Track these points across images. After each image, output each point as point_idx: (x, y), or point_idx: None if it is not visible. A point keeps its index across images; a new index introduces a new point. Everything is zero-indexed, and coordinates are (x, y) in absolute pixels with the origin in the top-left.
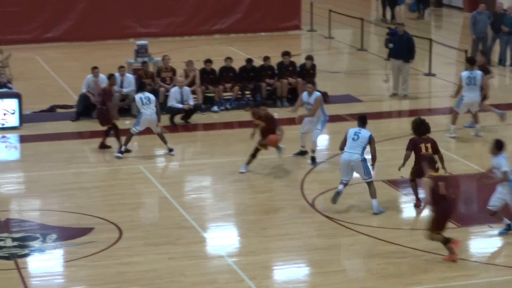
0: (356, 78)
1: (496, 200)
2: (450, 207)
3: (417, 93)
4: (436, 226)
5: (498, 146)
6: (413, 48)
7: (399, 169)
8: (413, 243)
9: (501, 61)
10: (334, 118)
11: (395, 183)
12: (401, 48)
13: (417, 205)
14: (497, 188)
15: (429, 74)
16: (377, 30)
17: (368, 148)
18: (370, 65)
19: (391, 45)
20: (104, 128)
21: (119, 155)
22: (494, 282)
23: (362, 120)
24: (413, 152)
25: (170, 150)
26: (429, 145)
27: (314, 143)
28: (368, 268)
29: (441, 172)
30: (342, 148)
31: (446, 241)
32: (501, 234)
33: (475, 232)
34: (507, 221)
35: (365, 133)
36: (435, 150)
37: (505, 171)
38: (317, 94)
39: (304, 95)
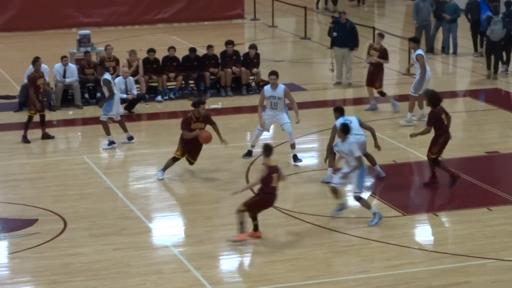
0: (299, 67)
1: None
2: (271, 200)
3: (361, 81)
4: (251, 207)
5: (345, 131)
6: (357, 36)
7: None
8: (358, 231)
9: (444, 49)
10: None
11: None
12: (344, 36)
13: (457, 177)
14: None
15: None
16: (320, 18)
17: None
18: (314, 54)
19: (335, 34)
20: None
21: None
22: (439, 269)
23: (340, 110)
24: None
25: (130, 138)
26: (444, 115)
27: (291, 136)
28: (314, 257)
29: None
30: (331, 144)
31: (242, 223)
32: (332, 214)
33: (420, 220)
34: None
35: (352, 118)
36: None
37: (358, 155)
38: (282, 86)
39: (267, 89)
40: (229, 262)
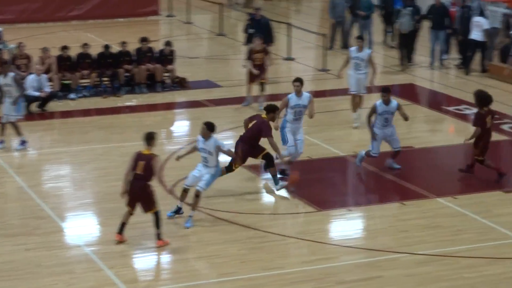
0: (215, 63)
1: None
2: (131, 189)
3: (276, 77)
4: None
5: (210, 128)
6: (271, 32)
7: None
8: (273, 228)
9: None
10: (193, 104)
11: (254, 168)
12: (260, 33)
13: (503, 173)
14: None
15: (288, 58)
16: (236, 15)
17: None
18: (229, 50)
19: (251, 30)
20: None
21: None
22: (354, 264)
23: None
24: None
25: (23, 142)
26: (489, 117)
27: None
28: (229, 254)
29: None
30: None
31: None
32: (169, 216)
33: (334, 215)
34: (179, 204)
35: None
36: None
37: (228, 149)
38: (308, 94)
39: (292, 98)
40: (142, 261)
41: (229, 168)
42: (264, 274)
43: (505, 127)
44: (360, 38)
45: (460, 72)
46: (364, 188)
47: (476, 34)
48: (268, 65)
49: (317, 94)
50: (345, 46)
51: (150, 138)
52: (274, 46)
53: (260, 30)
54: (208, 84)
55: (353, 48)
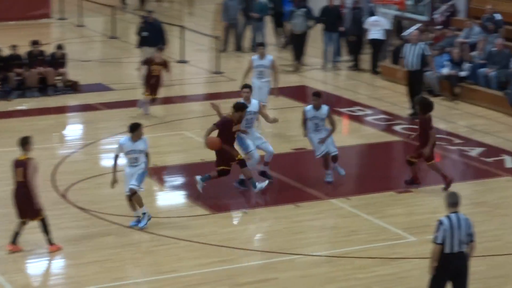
0: (108, 67)
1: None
2: (13, 197)
3: (170, 80)
4: None
5: (135, 128)
6: (164, 35)
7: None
8: (167, 231)
9: (253, 48)
10: (86, 107)
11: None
12: (153, 35)
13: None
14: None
15: (182, 61)
16: (129, 17)
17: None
18: (122, 53)
19: (145, 33)
20: None
21: None
22: (249, 266)
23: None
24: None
25: None
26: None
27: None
28: (123, 258)
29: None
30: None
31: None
32: (132, 226)
33: (228, 218)
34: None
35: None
36: None
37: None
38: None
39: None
40: (36, 266)
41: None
42: (158, 277)
43: (397, 128)
44: (261, 45)
45: (353, 74)
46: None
47: (375, 33)
48: (166, 82)
49: (211, 96)
50: (239, 48)
51: (25, 143)
52: (168, 49)
53: (153, 33)
54: (100, 88)
55: (255, 57)
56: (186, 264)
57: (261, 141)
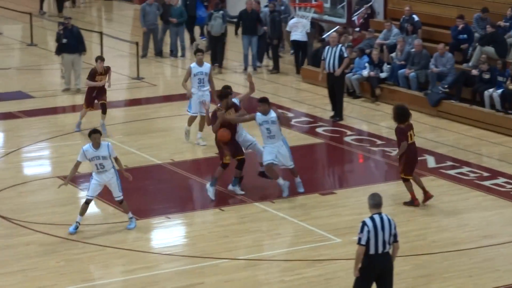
0: (27, 74)
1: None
2: None
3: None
4: None
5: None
6: (82, 41)
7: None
8: (92, 238)
9: (172, 52)
10: (5, 116)
11: (71, 179)
12: (72, 42)
13: (429, 197)
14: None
15: None
16: (46, 24)
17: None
18: (42, 60)
19: (64, 40)
20: None
21: None
22: (175, 272)
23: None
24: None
25: None
26: (411, 132)
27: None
28: (47, 267)
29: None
30: None
31: None
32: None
33: (153, 223)
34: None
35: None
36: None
37: (115, 156)
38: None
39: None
40: None
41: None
42: (84, 285)
43: (319, 130)
44: (200, 51)
45: (274, 77)
46: (182, 195)
47: (297, 35)
48: (109, 86)
49: (132, 102)
50: (159, 54)
51: None
52: (87, 55)
53: (72, 39)
54: (20, 95)
55: (193, 64)
56: (112, 271)
57: (251, 143)
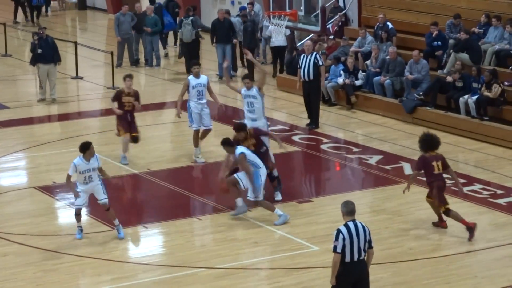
0: (2, 85)
1: None
2: None
3: (65, 96)
4: None
5: (87, 147)
6: (57, 51)
7: (403, 192)
8: (69, 249)
9: (147, 62)
10: None
11: (47, 189)
12: (47, 52)
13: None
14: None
15: (77, 77)
16: (21, 34)
17: None
18: (17, 71)
19: (40, 50)
20: None
21: None
22: (152, 281)
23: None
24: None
25: None
26: (439, 163)
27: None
28: (24, 278)
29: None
30: None
31: None
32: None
33: (130, 233)
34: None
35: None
36: (445, 166)
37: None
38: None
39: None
40: None
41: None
42: None
43: (295, 138)
44: (196, 64)
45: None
46: (159, 205)
47: (278, 41)
48: (139, 108)
49: (108, 112)
50: (134, 63)
51: None
52: (62, 65)
53: (47, 49)
54: None
55: (190, 77)
56: (89, 281)
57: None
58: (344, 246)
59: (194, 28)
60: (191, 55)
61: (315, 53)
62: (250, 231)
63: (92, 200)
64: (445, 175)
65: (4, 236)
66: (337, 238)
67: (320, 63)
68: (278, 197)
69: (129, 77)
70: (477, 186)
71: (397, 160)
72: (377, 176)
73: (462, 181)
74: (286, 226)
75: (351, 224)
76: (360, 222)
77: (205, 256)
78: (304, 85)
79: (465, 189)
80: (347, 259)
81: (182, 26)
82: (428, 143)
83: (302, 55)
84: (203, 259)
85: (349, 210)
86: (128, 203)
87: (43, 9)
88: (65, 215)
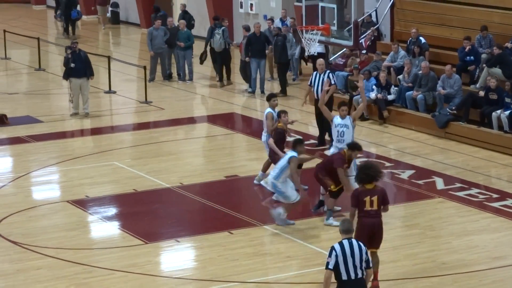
0: (35, 99)
1: None
2: None
3: (98, 111)
4: None
5: None
6: (90, 65)
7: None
8: (101, 262)
9: (180, 76)
10: (14, 140)
11: (80, 203)
12: (80, 66)
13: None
14: None
15: (110, 91)
16: (54, 49)
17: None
18: (50, 85)
19: (72, 65)
20: None
21: None
22: None
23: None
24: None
25: None
26: (375, 198)
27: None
28: None
29: None
30: None
31: None
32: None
33: (162, 247)
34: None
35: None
36: (383, 202)
37: None
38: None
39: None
40: None
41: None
42: None
43: (327, 152)
44: (273, 96)
45: (281, 100)
46: (192, 219)
47: (317, 48)
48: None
49: (140, 126)
50: (166, 77)
51: None
52: (95, 79)
53: (80, 63)
54: (28, 120)
55: (269, 109)
56: None
57: None
58: (338, 264)
59: (224, 38)
60: (222, 65)
61: (328, 71)
62: (283, 245)
63: (125, 214)
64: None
65: (37, 249)
66: (330, 255)
67: (332, 82)
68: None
69: (283, 113)
70: (510, 201)
71: (430, 175)
72: (409, 191)
73: (494, 196)
74: (318, 241)
75: (345, 242)
76: (357, 241)
77: (237, 271)
78: (315, 103)
79: (497, 204)
80: (344, 277)
81: (213, 35)
82: (363, 175)
83: (315, 73)
84: (235, 273)
85: (345, 228)
86: (161, 217)
87: (78, 22)
88: (97, 229)
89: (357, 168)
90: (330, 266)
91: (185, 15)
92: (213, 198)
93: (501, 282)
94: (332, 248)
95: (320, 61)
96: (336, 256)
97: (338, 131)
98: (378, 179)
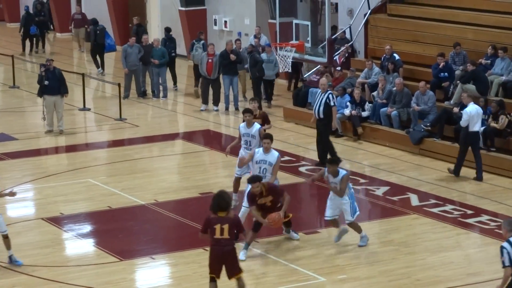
0: (10, 116)
1: None
2: None
3: (73, 128)
4: None
5: None
6: (64, 83)
7: None
8: (77, 280)
9: (154, 93)
10: None
11: (55, 220)
12: (54, 84)
13: None
14: None
15: (84, 108)
16: (29, 66)
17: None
18: (25, 102)
19: (46, 82)
20: None
21: None
22: None
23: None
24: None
25: None
26: (225, 226)
27: None
28: None
29: None
30: None
31: None
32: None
33: (137, 264)
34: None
35: None
36: (235, 230)
37: None
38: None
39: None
40: None
41: None
42: None
43: (302, 169)
44: (248, 111)
45: None
46: (167, 236)
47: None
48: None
49: (115, 143)
50: (141, 94)
51: None
52: (69, 97)
53: (54, 81)
54: (3, 137)
55: (242, 124)
56: None
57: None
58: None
59: (204, 50)
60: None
61: (329, 92)
62: (257, 262)
63: (100, 232)
64: None
65: (12, 267)
66: (502, 254)
67: (332, 103)
68: (297, 236)
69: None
70: (484, 217)
71: (404, 191)
72: (384, 207)
73: (469, 212)
74: (293, 257)
75: None
76: None
77: None
78: (316, 123)
79: (472, 220)
80: None
81: (194, 49)
82: (215, 203)
83: (318, 92)
84: None
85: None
86: (135, 234)
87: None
88: (72, 246)
89: (212, 196)
90: (507, 263)
91: (168, 41)
92: (188, 215)
93: None
94: (502, 247)
95: (323, 80)
96: (508, 253)
97: (260, 168)
98: (229, 209)
